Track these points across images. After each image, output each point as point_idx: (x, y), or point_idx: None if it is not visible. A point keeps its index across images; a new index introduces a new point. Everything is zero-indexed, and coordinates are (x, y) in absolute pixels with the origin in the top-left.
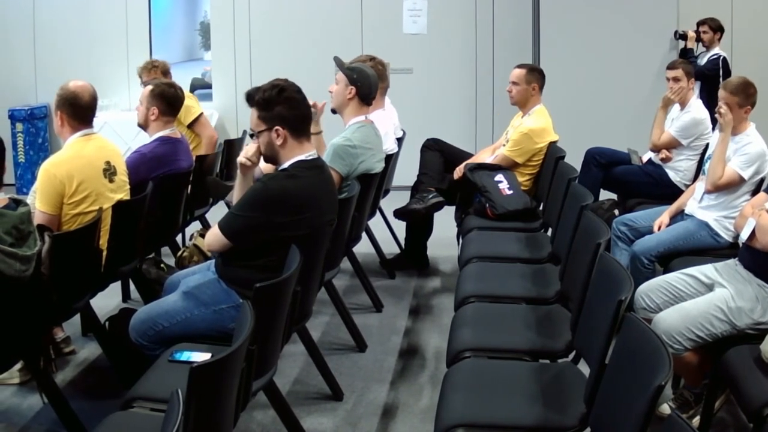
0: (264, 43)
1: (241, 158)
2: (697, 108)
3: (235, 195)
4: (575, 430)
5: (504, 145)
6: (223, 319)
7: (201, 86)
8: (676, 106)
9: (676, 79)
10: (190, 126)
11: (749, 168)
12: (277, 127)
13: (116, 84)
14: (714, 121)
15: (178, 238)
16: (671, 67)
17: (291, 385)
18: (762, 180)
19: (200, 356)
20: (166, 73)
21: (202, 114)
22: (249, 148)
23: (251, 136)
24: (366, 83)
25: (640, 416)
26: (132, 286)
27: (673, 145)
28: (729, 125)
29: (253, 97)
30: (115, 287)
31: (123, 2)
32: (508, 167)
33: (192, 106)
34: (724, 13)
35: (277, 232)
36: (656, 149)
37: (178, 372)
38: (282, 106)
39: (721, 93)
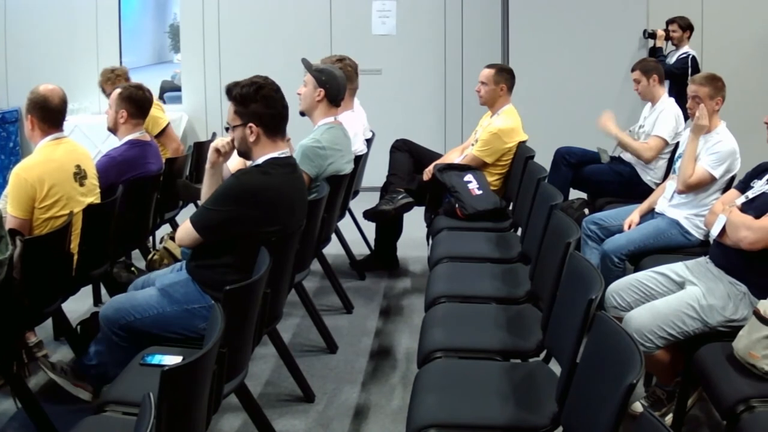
0: (233, 45)
1: (216, 143)
2: (670, 104)
3: (204, 192)
4: (547, 429)
5: (473, 145)
6: (194, 318)
7: (171, 89)
8: (647, 106)
9: (695, 99)
10: (157, 137)
11: (720, 167)
12: (251, 124)
13: (86, 87)
14: (685, 118)
15: (149, 241)
16: (632, 70)
17: (262, 388)
18: (732, 178)
19: (172, 359)
20: (127, 79)
21: (168, 125)
22: (224, 138)
23: (227, 129)
24: (334, 85)
25: (612, 415)
26: (103, 290)
27: (705, 179)
28: (701, 130)
29: (231, 92)
30: (86, 291)
31: (93, 6)
32: (477, 167)
33: (159, 117)
34: (695, 11)
35: (248, 228)
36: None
37: (150, 375)
38: (258, 104)
39: (690, 87)
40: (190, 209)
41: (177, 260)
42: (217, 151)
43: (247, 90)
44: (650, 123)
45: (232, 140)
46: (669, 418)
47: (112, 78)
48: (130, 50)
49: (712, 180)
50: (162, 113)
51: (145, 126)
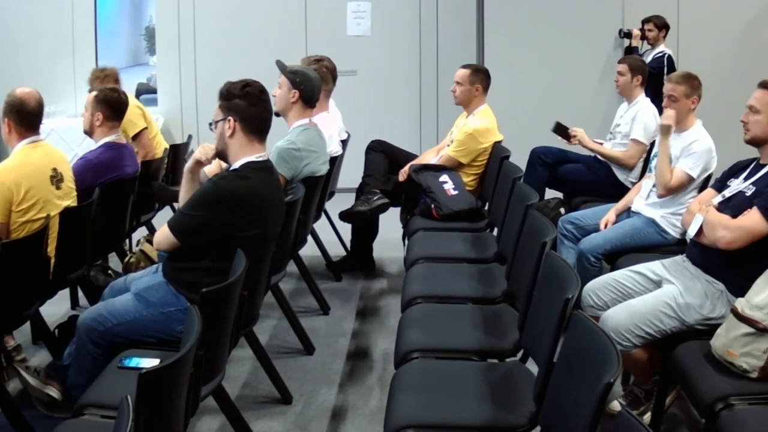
0: (209, 46)
1: (197, 155)
2: (646, 104)
3: (181, 196)
4: (525, 429)
5: (448, 145)
6: (171, 321)
7: (146, 91)
8: (623, 105)
9: (671, 97)
10: (134, 138)
11: (698, 167)
12: (230, 118)
13: (63, 90)
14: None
15: (125, 244)
16: (619, 62)
17: (240, 390)
18: (709, 177)
19: (149, 362)
20: (117, 80)
21: (145, 129)
22: (206, 148)
23: (210, 126)
24: (309, 86)
25: (589, 414)
26: (81, 293)
27: (685, 181)
28: (668, 131)
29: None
30: (64, 294)
31: (69, 9)
32: (452, 168)
33: (135, 121)
34: (670, 10)
35: (226, 232)
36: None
37: (128, 378)
38: (241, 99)
39: (666, 86)
40: (166, 212)
41: (153, 263)
42: (199, 162)
43: (234, 86)
44: (626, 122)
45: (214, 155)
46: (647, 417)
47: (101, 77)
48: (107, 53)
49: (691, 180)
50: (139, 118)
51: (122, 128)
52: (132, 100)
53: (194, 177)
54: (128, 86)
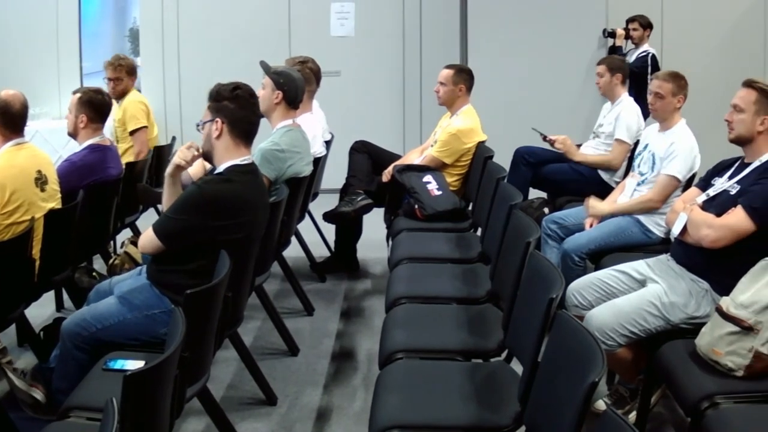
0: (193, 48)
1: (176, 159)
2: (629, 103)
3: (164, 199)
4: (510, 428)
5: (432, 145)
6: (155, 323)
7: None
8: (606, 105)
9: (657, 95)
10: (131, 133)
11: (684, 169)
12: (218, 119)
13: (47, 92)
14: (645, 116)
15: (110, 246)
16: (598, 63)
17: (225, 391)
18: (693, 176)
19: (134, 364)
20: (131, 71)
21: (145, 128)
22: (185, 152)
23: (197, 126)
24: (293, 87)
25: (574, 413)
26: (66, 295)
27: (673, 185)
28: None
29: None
30: (49, 297)
31: (53, 10)
32: (436, 168)
33: (138, 117)
34: (654, 9)
35: (211, 236)
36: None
37: (113, 380)
38: (230, 101)
39: (653, 83)
40: (150, 213)
41: (138, 264)
42: (179, 166)
43: (224, 87)
44: (609, 122)
45: (193, 156)
46: (632, 416)
47: (114, 64)
48: (91, 55)
49: (679, 183)
50: (143, 115)
51: (120, 118)
52: (138, 96)
53: (175, 181)
54: None
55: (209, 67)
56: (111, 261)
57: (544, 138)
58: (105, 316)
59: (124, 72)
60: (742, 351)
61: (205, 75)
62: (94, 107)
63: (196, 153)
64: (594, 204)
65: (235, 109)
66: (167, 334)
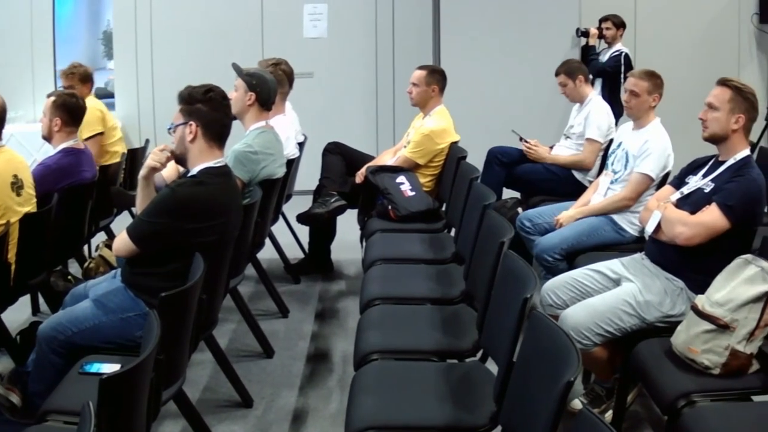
0: (166, 50)
1: (149, 162)
2: (598, 102)
3: (138, 202)
4: (486, 428)
5: (405, 146)
6: (130, 326)
7: (104, 95)
8: (575, 106)
9: (632, 93)
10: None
11: (657, 168)
12: (191, 122)
13: (21, 96)
14: (617, 116)
15: (84, 249)
16: (556, 74)
17: (201, 394)
18: (667, 174)
19: (110, 367)
20: (85, 79)
21: (99, 135)
22: (158, 154)
23: (169, 130)
24: (265, 89)
25: (550, 413)
26: (42, 299)
27: (646, 182)
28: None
29: (181, 93)
30: (25, 300)
31: (27, 14)
32: (409, 169)
33: (93, 125)
34: (628, 8)
35: (185, 239)
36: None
37: (90, 384)
38: (203, 104)
39: (629, 81)
40: (125, 216)
41: (113, 268)
42: (153, 168)
43: (197, 90)
44: (580, 122)
45: (167, 157)
46: (609, 415)
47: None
48: (65, 58)
49: (652, 181)
50: (97, 122)
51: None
52: (93, 103)
53: (149, 184)
54: None
55: (182, 70)
56: (86, 264)
57: (521, 139)
58: (81, 319)
59: (76, 79)
60: (718, 349)
61: (178, 78)
62: (68, 110)
63: (169, 155)
64: (562, 214)
65: (209, 111)
66: (142, 337)
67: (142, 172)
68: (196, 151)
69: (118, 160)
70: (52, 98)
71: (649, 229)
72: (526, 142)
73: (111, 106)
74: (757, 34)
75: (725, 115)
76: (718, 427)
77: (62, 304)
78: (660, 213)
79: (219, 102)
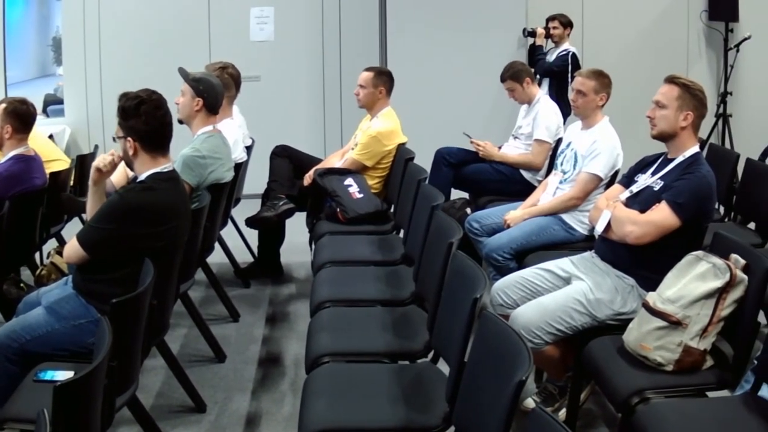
0: (114, 55)
1: (97, 162)
2: (545, 102)
3: (88, 208)
4: (439, 429)
5: (353, 148)
6: (83, 333)
7: (54, 102)
8: (523, 107)
9: (579, 92)
10: None
11: (606, 167)
12: (129, 138)
13: None
14: (565, 115)
15: (36, 256)
16: (502, 81)
17: (154, 399)
18: (616, 173)
19: (64, 375)
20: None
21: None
22: (105, 157)
23: (114, 139)
24: (212, 93)
25: (503, 412)
26: None
27: (594, 182)
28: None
29: (118, 103)
30: None
31: None
32: (357, 171)
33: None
34: (575, 8)
35: (134, 244)
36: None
37: (45, 391)
38: (136, 119)
39: (576, 80)
40: (75, 223)
41: (65, 274)
42: (99, 170)
43: (129, 104)
44: (528, 123)
45: (112, 160)
46: (562, 414)
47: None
48: (15, 64)
49: (600, 180)
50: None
51: None
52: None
53: (99, 188)
54: (36, 97)
55: (131, 75)
56: (38, 272)
57: (472, 141)
58: (34, 327)
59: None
60: (671, 345)
61: (127, 82)
62: (19, 118)
63: (117, 159)
64: (510, 214)
65: (143, 125)
66: (95, 344)
67: (91, 175)
68: (139, 163)
69: (67, 166)
70: (3, 105)
71: (599, 228)
72: (476, 144)
73: (60, 113)
74: (706, 32)
75: (673, 112)
76: (673, 423)
77: (15, 311)
78: (610, 212)
79: (152, 114)
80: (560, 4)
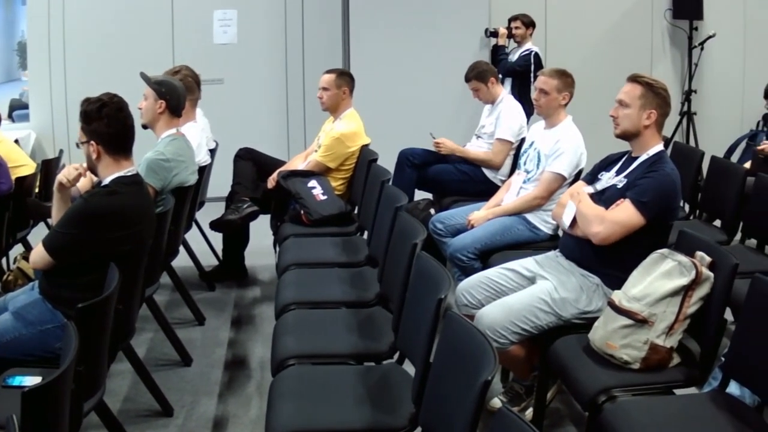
0: (79, 59)
1: (60, 177)
2: (509, 101)
3: (54, 213)
4: (406, 430)
5: (316, 150)
6: (49, 338)
7: (19, 106)
8: (487, 106)
9: (542, 91)
10: None
11: (570, 167)
12: (92, 142)
13: None
14: (528, 115)
15: (2, 261)
16: (467, 81)
17: (121, 404)
18: (579, 173)
19: (32, 380)
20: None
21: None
22: (70, 170)
23: (77, 145)
24: (175, 96)
25: (469, 412)
26: None
27: (558, 181)
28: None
29: (81, 108)
30: None
31: None
32: (321, 173)
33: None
34: (538, 8)
35: (99, 249)
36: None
37: (14, 397)
38: (99, 122)
39: (539, 79)
40: (41, 228)
41: (31, 280)
42: (61, 184)
43: (91, 107)
44: (491, 122)
45: (78, 175)
46: (529, 413)
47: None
48: None
49: (564, 180)
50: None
51: None
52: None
53: (63, 195)
54: (2, 102)
55: (95, 79)
56: (4, 277)
57: (434, 139)
58: (1, 332)
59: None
60: (637, 344)
61: (92, 87)
62: None
63: (81, 172)
64: (474, 214)
65: (105, 129)
66: (61, 349)
67: (55, 185)
68: (103, 167)
69: (33, 171)
70: None
71: (566, 222)
72: (435, 142)
73: (26, 117)
74: (670, 30)
75: (636, 111)
76: (640, 420)
77: None
78: (575, 205)
79: (114, 116)
80: (523, 4)
